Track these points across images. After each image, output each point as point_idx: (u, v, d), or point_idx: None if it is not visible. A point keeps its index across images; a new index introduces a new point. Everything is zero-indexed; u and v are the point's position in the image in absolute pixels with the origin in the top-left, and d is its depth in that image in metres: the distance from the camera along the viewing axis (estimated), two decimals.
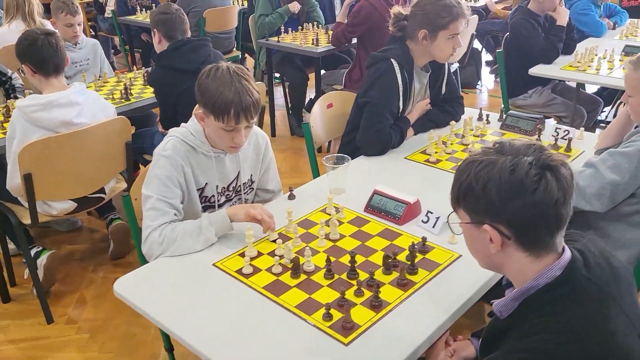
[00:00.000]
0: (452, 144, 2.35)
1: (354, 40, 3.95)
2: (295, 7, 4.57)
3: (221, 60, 2.79)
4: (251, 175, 1.98)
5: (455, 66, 4.48)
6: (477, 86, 5.71)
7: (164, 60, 2.78)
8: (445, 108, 2.57)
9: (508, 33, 3.73)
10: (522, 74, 3.52)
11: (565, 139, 2.28)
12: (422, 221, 1.75)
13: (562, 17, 3.50)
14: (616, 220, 1.84)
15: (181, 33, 2.77)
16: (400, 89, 2.31)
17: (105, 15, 6.02)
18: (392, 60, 2.30)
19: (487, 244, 1.09)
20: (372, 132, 2.26)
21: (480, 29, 5.83)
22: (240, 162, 1.92)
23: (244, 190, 1.97)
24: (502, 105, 3.64)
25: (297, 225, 1.74)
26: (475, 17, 4.51)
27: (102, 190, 2.73)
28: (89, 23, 7.01)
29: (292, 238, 1.69)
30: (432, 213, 1.74)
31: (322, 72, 4.33)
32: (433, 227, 1.72)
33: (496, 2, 6.10)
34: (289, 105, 4.73)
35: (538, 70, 3.41)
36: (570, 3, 4.34)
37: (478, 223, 1.09)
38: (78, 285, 2.85)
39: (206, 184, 1.85)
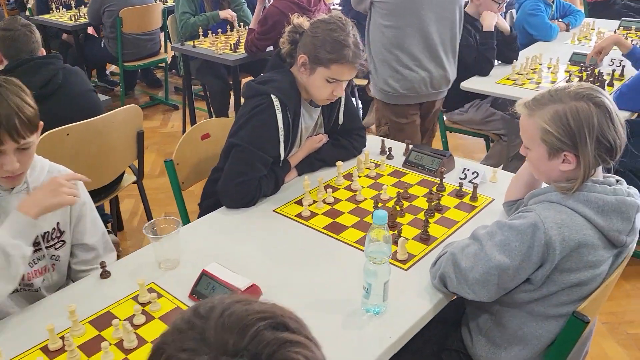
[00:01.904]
0: (338, 190, 1.93)
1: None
2: (227, 14, 4.11)
3: (76, 77, 2.34)
4: (57, 223, 1.55)
5: None
6: None
7: None
8: (341, 142, 2.14)
9: None
10: (457, 85, 3.10)
11: (473, 183, 1.87)
12: None
13: (487, 21, 3.08)
14: (513, 307, 1.43)
15: (28, 52, 2.32)
16: (281, 132, 1.88)
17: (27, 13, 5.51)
18: (273, 96, 1.86)
19: None
20: (235, 182, 1.82)
21: None
22: None
23: (45, 243, 1.54)
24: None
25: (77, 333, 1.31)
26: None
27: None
28: None
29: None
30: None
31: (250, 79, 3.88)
32: None
33: None
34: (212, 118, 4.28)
35: (470, 84, 2.99)
36: (520, 2, 3.92)
37: None
38: None
39: None
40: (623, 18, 3.99)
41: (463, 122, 3.31)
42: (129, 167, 2.77)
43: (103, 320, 1.36)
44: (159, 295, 1.43)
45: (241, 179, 1.82)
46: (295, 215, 1.78)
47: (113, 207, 3.05)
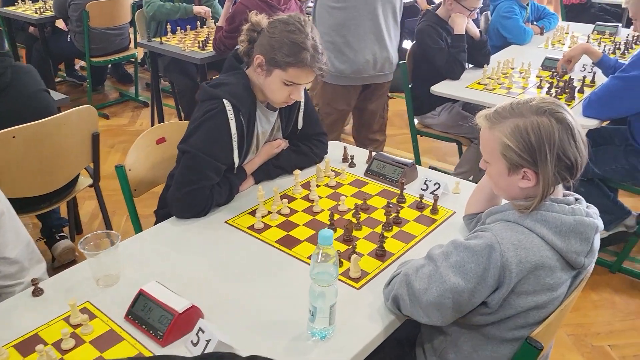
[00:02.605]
0: (295, 200, 1.85)
1: None
2: (202, 9, 4.00)
3: (27, 76, 2.23)
4: None
5: None
6: None
7: None
8: (301, 148, 2.06)
9: (414, 40, 3.24)
10: (429, 88, 3.04)
11: (434, 195, 1.80)
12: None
13: (458, 25, 3.02)
14: (469, 329, 1.37)
15: None
16: (235, 138, 1.79)
17: None
18: (225, 101, 1.77)
19: None
20: (184, 191, 1.73)
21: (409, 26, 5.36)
22: None
23: None
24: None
25: None
26: None
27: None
28: None
29: None
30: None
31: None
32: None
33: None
34: (181, 118, 4.18)
35: (441, 88, 2.93)
36: (495, 4, 3.87)
37: None
38: None
39: None
40: (597, 22, 3.97)
41: (435, 126, 3.25)
42: (87, 169, 2.66)
43: (29, 344, 1.26)
44: (93, 317, 1.34)
45: (191, 187, 1.73)
46: (247, 228, 1.70)
47: (71, 211, 2.94)
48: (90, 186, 2.68)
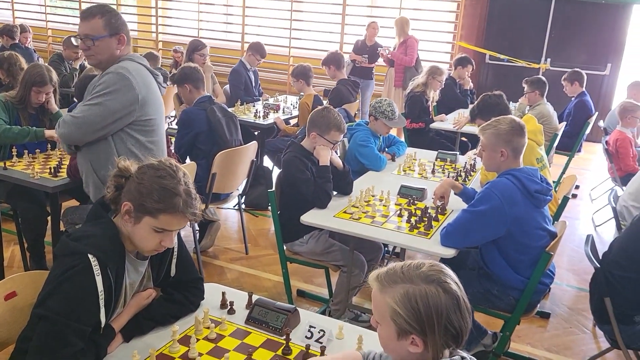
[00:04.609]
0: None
1: None
2: (55, 135, 3.74)
3: None
4: None
5: None
6: (269, 208, 5.28)
7: None
8: (174, 297, 1.93)
9: (281, 170, 3.33)
10: (297, 216, 3.09)
11: (320, 343, 1.76)
12: None
13: (322, 157, 3.19)
14: None
15: None
16: (102, 296, 1.63)
17: None
18: (90, 256, 1.62)
19: None
20: None
21: (272, 147, 5.54)
22: None
23: None
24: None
25: None
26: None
27: None
28: None
29: None
30: None
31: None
32: None
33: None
34: (25, 248, 3.77)
35: (310, 217, 3.00)
36: (351, 133, 4.16)
37: None
38: None
39: None
40: (439, 150, 4.42)
41: (303, 253, 3.28)
42: None
43: None
44: None
45: (53, 356, 1.52)
46: None
47: None
48: None
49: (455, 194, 3.16)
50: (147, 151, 2.79)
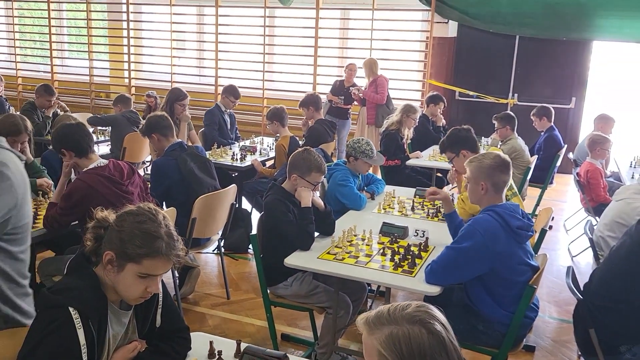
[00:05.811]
0: None
1: None
2: (44, 182, 3.70)
3: None
4: None
5: None
6: (249, 251, 5.23)
7: None
8: (160, 348, 1.89)
9: (263, 212, 3.32)
10: (280, 259, 3.07)
11: None
12: None
13: (304, 198, 3.20)
14: None
15: None
16: (84, 350, 1.59)
17: None
18: (71, 309, 1.58)
19: None
20: None
21: (250, 189, 5.53)
22: None
23: None
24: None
25: None
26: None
27: None
28: None
29: None
30: None
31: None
32: None
33: None
34: None
35: (293, 260, 2.98)
36: (330, 173, 4.19)
37: None
38: None
39: None
40: (417, 187, 4.47)
41: (288, 296, 3.25)
42: None
43: None
44: None
45: None
46: None
47: None
48: None
49: (443, 214, 3.21)
50: (19, 264, 2.19)
